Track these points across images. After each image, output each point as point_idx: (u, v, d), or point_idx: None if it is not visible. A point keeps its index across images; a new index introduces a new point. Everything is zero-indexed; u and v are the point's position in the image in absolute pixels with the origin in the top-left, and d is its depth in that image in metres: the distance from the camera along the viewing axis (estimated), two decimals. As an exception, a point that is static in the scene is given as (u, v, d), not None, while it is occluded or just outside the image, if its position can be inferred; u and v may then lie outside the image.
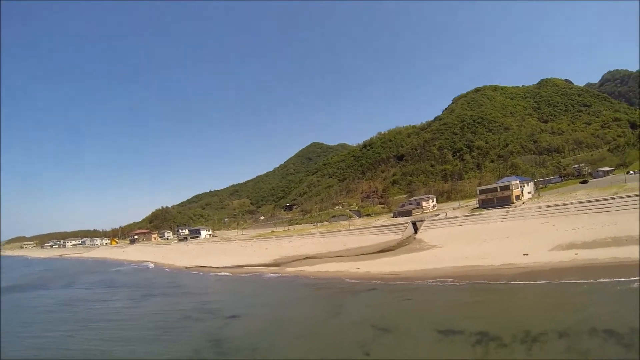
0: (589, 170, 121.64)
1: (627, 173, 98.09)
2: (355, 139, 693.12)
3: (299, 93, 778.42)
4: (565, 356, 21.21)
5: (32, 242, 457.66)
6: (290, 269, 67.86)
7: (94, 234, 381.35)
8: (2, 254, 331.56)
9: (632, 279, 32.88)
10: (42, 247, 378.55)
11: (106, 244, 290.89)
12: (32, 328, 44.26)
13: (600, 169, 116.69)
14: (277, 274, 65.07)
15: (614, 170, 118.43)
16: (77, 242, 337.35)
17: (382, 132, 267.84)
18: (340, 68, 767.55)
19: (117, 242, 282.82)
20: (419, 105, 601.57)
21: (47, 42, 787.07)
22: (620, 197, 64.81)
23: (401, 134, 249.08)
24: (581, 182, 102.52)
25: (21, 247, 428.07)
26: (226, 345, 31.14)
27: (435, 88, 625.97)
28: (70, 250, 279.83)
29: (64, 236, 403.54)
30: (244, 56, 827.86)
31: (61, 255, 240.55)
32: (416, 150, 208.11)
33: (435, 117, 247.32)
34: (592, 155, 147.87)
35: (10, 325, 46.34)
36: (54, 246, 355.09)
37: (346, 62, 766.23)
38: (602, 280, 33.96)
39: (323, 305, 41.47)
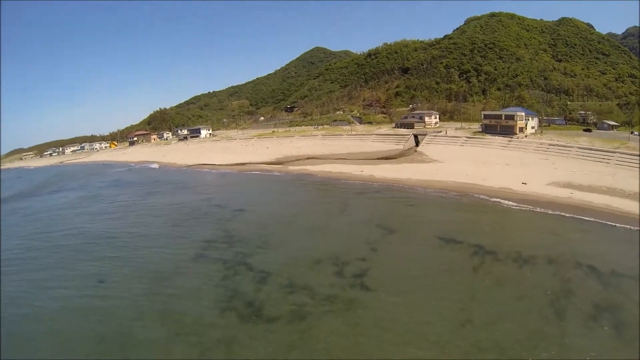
0: (594, 120, 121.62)
1: (632, 133, 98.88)
2: (360, 47, 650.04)
3: None
4: (549, 280, 23.25)
5: (31, 153, 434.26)
6: (293, 168, 68.99)
7: (92, 139, 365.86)
8: (2, 167, 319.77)
9: (622, 225, 34.40)
10: (41, 157, 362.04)
11: (105, 147, 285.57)
12: (56, 224, 45.47)
13: (606, 121, 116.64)
14: (280, 172, 66.08)
15: (619, 126, 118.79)
16: (76, 148, 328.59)
17: (388, 43, 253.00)
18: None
19: (116, 145, 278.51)
20: (429, 21, 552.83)
21: None
22: (621, 153, 65.92)
23: (408, 47, 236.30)
24: (585, 130, 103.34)
25: (20, 159, 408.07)
26: (235, 236, 32.70)
27: (448, 6, 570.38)
28: (70, 157, 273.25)
29: (62, 144, 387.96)
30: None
31: (62, 162, 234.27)
32: (422, 65, 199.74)
33: (445, 36, 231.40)
34: (600, 105, 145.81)
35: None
36: (53, 154, 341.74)
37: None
38: (594, 220, 35.99)
39: (329, 204, 42.88)
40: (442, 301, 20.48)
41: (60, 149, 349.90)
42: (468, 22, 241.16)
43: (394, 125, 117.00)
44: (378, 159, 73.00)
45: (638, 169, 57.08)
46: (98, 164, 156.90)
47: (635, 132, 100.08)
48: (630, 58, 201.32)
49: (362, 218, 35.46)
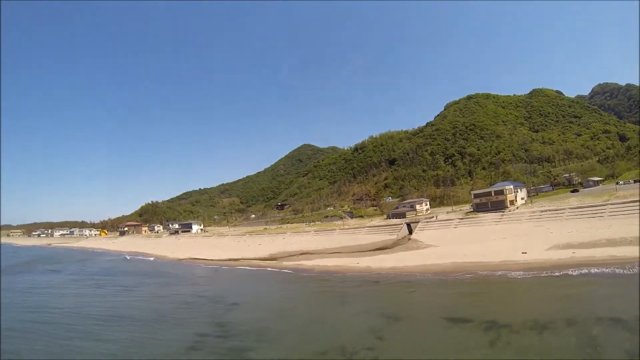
0: (579, 180, 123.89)
1: (617, 183, 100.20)
2: (346, 142, 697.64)
3: (289, 95, 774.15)
4: (575, 342, 21.51)
5: (19, 231, 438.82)
6: (287, 263, 67.18)
7: (82, 225, 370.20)
8: None
9: (630, 272, 34.00)
10: (29, 236, 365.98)
11: (95, 235, 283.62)
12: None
13: (591, 178, 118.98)
14: (274, 268, 64.13)
15: (603, 180, 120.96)
16: (65, 232, 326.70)
17: (374, 136, 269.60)
18: (331, 71, 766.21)
19: (106, 234, 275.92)
20: (411, 111, 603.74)
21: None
22: (612, 204, 66.28)
23: (393, 139, 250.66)
24: (572, 191, 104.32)
25: (7, 235, 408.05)
26: (231, 329, 30.63)
27: (428, 94, 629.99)
28: (58, 240, 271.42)
29: (51, 226, 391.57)
30: (236, 54, 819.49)
31: (49, 244, 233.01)
32: (408, 154, 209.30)
33: (428, 123, 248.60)
34: (582, 165, 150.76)
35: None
36: (41, 235, 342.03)
37: (337, 65, 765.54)
38: (602, 270, 35.19)
39: (327, 296, 41.26)
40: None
41: (50, 230, 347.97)
42: (448, 107, 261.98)
43: (385, 216, 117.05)
44: (373, 250, 71.36)
45: (636, 214, 56.52)
46: (87, 251, 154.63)
47: (621, 182, 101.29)
48: (601, 115, 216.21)
49: (363, 308, 33.96)
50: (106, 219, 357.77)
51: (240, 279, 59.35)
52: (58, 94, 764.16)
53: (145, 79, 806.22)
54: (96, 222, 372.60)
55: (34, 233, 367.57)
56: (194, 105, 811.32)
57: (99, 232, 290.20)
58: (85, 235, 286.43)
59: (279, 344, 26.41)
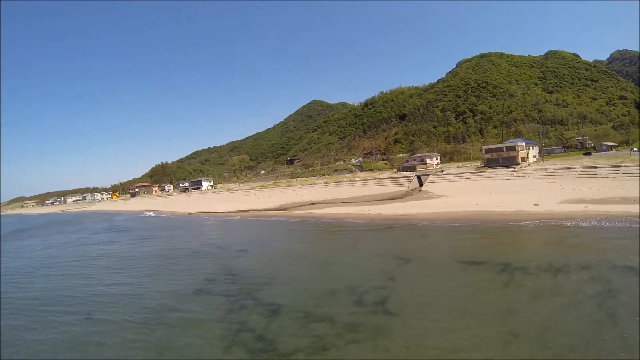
0: (592, 144, 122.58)
1: (631, 150, 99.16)
2: (356, 98, 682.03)
3: (299, 49, 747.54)
4: (590, 285, 21.50)
5: (33, 201, 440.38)
6: (297, 212, 67.96)
7: (93, 190, 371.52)
8: (2, 213, 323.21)
9: None
10: (42, 205, 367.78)
11: (107, 198, 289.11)
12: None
13: (604, 143, 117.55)
14: (284, 217, 64.89)
15: (617, 146, 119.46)
16: (77, 198, 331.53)
17: (384, 92, 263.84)
18: (341, 25, 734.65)
19: (118, 196, 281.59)
20: (423, 67, 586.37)
21: None
22: (626, 166, 65.95)
23: (404, 94, 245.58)
24: (584, 154, 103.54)
25: (22, 206, 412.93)
26: (240, 273, 30.80)
27: (440, 51, 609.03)
28: (71, 206, 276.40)
29: (63, 194, 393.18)
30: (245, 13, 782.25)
31: (63, 210, 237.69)
32: (419, 110, 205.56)
33: (439, 79, 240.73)
34: (595, 130, 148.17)
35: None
36: (54, 203, 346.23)
37: (347, 20, 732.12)
38: (616, 224, 35.45)
39: (338, 241, 41.32)
40: (479, 320, 18.16)
41: (62, 198, 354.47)
42: (460, 64, 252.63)
43: (396, 170, 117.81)
44: (384, 200, 72.08)
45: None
46: (99, 213, 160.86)
47: (635, 148, 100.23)
48: (618, 81, 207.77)
49: (374, 251, 33.95)
50: (117, 182, 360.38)
51: (249, 228, 59.88)
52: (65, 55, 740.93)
53: (151, 31, 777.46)
54: (108, 186, 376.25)
55: (47, 202, 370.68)
56: (201, 62, 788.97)
57: (110, 196, 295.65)
58: (97, 199, 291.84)
59: (288, 285, 26.60)
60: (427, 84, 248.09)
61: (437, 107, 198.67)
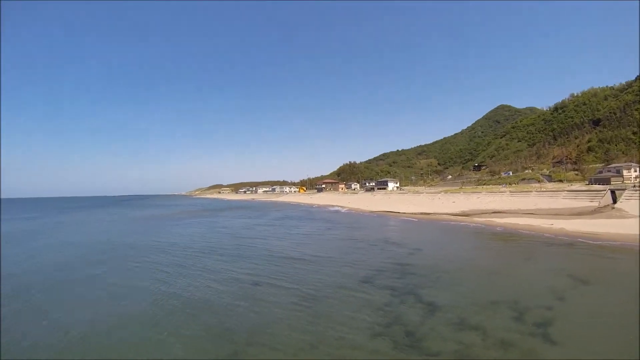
0: None
1: None
2: (544, 102, 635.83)
3: (485, 52, 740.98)
4: None
5: (228, 189, 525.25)
6: (478, 219, 67.31)
7: (282, 183, 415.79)
8: (203, 196, 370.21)
9: None
10: (236, 193, 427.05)
11: (294, 191, 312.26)
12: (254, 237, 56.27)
13: None
14: (464, 222, 65.85)
15: None
16: (267, 189, 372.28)
17: (575, 94, 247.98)
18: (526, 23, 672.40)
19: (304, 190, 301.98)
20: (617, 63, 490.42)
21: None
22: None
23: (597, 96, 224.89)
24: None
25: (219, 192, 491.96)
26: (409, 269, 32.09)
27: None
28: (261, 196, 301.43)
29: (255, 185, 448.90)
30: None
31: (253, 199, 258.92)
32: (615, 114, 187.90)
33: (637, 77, 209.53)
34: None
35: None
36: (246, 192, 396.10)
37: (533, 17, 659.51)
38: None
39: (512, 251, 39.00)
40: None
41: (254, 188, 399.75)
42: None
43: (587, 182, 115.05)
44: (569, 215, 69.98)
45: None
46: (285, 203, 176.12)
47: None
48: None
49: (548, 267, 32.36)
50: (305, 178, 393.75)
51: (428, 229, 60.36)
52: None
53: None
54: (296, 181, 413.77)
55: (240, 190, 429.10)
56: (390, 64, 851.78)
57: (297, 189, 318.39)
58: (285, 191, 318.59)
59: (451, 288, 26.21)
60: (623, 82, 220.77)
61: (636, 109, 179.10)
